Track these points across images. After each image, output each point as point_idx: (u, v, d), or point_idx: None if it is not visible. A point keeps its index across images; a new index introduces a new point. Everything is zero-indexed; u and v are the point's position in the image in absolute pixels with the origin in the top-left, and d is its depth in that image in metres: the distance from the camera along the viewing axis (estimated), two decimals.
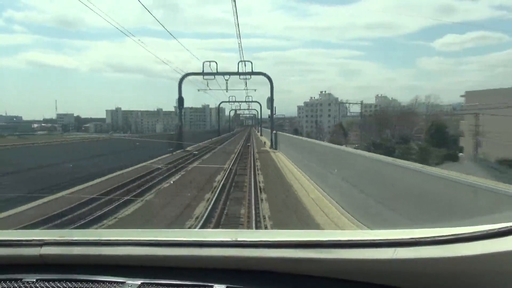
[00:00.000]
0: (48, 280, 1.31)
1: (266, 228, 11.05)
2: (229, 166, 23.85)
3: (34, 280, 1.31)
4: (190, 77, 44.11)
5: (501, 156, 39.90)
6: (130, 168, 22.31)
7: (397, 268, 1.20)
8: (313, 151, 19.86)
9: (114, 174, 20.49)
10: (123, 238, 1.43)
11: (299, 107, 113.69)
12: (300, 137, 37.76)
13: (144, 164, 23.83)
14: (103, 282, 1.29)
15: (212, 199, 14.17)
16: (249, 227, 11.43)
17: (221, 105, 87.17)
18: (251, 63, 42.39)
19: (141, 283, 1.27)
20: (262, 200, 14.55)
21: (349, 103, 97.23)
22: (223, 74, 42.89)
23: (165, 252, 1.34)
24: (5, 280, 1.31)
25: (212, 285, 1.25)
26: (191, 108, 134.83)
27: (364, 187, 10.98)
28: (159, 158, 27.53)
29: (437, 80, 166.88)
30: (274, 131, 39.50)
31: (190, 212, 12.98)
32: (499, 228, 1.15)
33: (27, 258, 1.39)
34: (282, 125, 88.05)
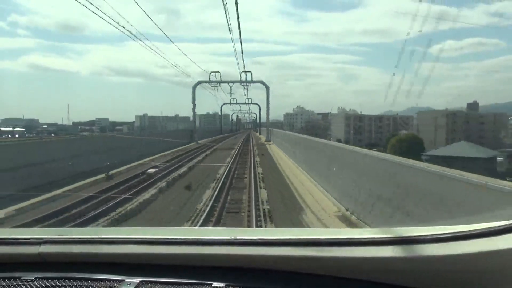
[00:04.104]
0: (47, 278, 1.07)
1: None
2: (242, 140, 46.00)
3: (33, 278, 1.08)
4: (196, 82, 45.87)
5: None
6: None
7: (396, 266, 1.00)
8: (278, 133, 37.70)
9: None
10: (121, 236, 1.19)
11: (284, 115, 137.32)
12: (279, 130, 50.23)
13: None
14: (102, 280, 1.06)
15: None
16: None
17: (226, 111, 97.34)
18: (251, 73, 44.72)
19: (140, 281, 1.04)
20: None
21: (319, 113, 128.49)
22: (227, 82, 45.14)
23: (164, 250, 1.11)
24: (4, 278, 1.08)
25: (211, 283, 1.02)
26: (205, 114, 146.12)
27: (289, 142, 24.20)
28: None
29: (435, 85, 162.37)
30: (270, 128, 46.70)
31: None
32: (498, 226, 0.97)
33: (26, 256, 1.15)
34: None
